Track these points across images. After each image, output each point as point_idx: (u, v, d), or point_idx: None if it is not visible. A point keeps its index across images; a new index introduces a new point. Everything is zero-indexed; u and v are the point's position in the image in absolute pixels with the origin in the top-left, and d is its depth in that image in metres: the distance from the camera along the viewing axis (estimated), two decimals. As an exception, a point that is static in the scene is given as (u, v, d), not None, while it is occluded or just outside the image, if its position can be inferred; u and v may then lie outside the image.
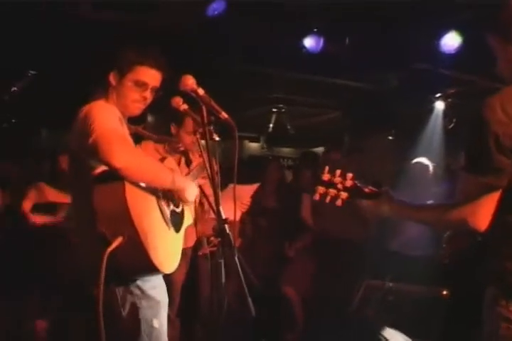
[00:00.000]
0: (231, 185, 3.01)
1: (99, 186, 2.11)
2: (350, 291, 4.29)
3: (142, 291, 2.24)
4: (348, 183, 2.02)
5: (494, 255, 1.77)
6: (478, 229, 1.71)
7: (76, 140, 2.21)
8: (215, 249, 2.02)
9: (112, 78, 2.35)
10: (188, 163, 3.59)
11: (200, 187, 2.62)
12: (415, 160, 4.76)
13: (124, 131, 2.26)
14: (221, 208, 2.00)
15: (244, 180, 3.39)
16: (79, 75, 4.71)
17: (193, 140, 3.37)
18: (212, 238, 3.01)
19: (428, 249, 4.27)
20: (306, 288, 4.73)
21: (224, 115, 2.07)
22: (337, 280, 4.45)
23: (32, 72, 4.47)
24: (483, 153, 1.68)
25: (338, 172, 2.03)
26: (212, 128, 2.07)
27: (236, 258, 1.92)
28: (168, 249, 2.31)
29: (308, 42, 4.99)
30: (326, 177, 2.03)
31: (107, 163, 2.06)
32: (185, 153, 3.60)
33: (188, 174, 2.76)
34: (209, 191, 2.21)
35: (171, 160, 2.92)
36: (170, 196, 2.38)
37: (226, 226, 1.97)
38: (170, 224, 2.34)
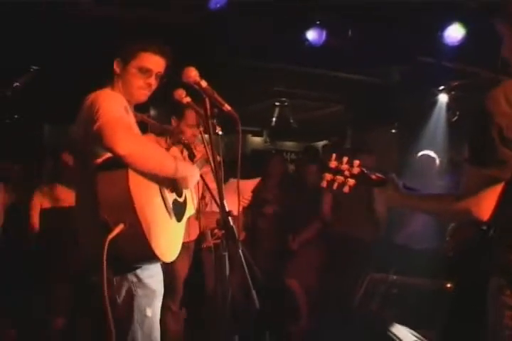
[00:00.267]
0: (232, 180, 3.03)
1: (103, 173, 2.11)
2: (354, 285, 4.31)
3: (139, 279, 2.24)
4: (355, 170, 2.02)
5: (498, 246, 1.77)
6: (482, 218, 1.71)
7: (81, 127, 2.22)
8: (218, 241, 2.02)
9: (116, 66, 2.36)
10: (192, 156, 3.58)
11: (203, 179, 2.62)
12: (421, 153, 4.76)
13: (129, 118, 2.26)
14: (225, 201, 1.99)
15: (247, 174, 3.39)
16: (82, 70, 4.73)
17: (194, 133, 3.36)
18: (216, 230, 3.01)
19: (432, 242, 4.28)
20: (310, 281, 4.74)
21: (227, 107, 2.06)
22: (341, 274, 4.46)
23: (34, 67, 4.46)
24: (486, 145, 1.67)
25: (345, 159, 2.03)
26: (215, 121, 2.06)
27: (240, 251, 1.92)
28: (169, 237, 2.31)
29: (311, 35, 4.97)
30: (333, 164, 2.03)
31: (111, 150, 2.07)
32: (187, 146, 3.59)
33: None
34: (212, 185, 2.20)
35: (175, 150, 2.92)
36: (173, 184, 2.38)
37: (230, 218, 1.96)
38: (172, 213, 2.34)
